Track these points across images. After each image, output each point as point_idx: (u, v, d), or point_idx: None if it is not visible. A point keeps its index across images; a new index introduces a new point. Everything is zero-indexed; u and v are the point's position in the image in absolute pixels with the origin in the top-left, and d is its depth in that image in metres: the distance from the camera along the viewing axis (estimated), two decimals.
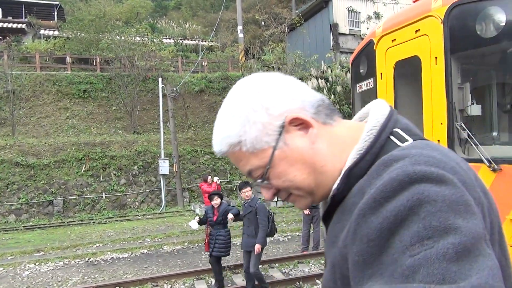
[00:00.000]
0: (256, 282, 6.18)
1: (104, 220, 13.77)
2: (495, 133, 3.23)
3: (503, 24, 2.78)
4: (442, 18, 3.07)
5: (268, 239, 6.40)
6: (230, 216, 6.24)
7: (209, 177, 11.03)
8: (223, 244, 6.41)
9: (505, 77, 3.24)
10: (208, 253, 6.54)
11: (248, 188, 6.11)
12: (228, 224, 6.56)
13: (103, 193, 14.93)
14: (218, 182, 11.34)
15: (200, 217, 6.63)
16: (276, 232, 6.56)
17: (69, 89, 18.55)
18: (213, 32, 20.95)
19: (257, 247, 5.83)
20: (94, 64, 21.02)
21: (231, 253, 6.96)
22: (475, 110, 3.08)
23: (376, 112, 0.85)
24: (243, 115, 0.83)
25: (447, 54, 3.07)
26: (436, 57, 3.17)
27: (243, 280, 6.95)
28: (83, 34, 22.36)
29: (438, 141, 3.19)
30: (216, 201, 6.42)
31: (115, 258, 8.84)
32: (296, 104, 0.82)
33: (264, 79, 0.87)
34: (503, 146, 3.04)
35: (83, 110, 18.26)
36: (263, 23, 21.59)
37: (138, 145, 16.37)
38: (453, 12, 2.99)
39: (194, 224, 6.60)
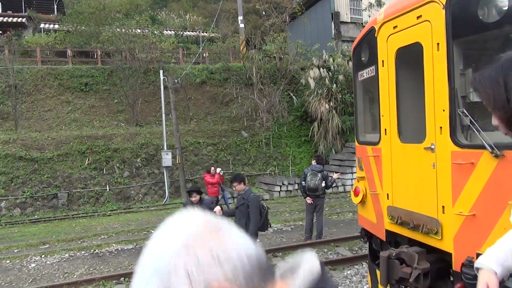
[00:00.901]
0: None
1: (108, 212, 13.87)
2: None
3: (506, 8, 2.74)
4: (444, 4, 3.04)
5: (262, 233, 6.44)
6: (217, 209, 6.12)
7: (212, 168, 11.06)
8: None
9: None
10: None
11: (236, 183, 6.00)
12: None
13: (107, 186, 15.01)
14: (221, 173, 11.38)
15: None
16: (270, 226, 6.38)
17: (71, 82, 18.54)
18: (213, 23, 20.82)
19: None
20: (95, 57, 20.96)
21: None
22: (476, 97, 3.06)
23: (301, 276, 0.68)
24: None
25: (449, 40, 3.05)
26: (438, 43, 3.14)
27: None
28: (83, 27, 22.28)
29: (441, 127, 3.18)
30: (194, 198, 6.26)
31: (120, 249, 8.92)
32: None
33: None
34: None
35: (85, 103, 18.27)
36: (263, 12, 21.46)
37: (140, 138, 16.40)
38: None
39: None
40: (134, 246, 9.15)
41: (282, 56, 20.05)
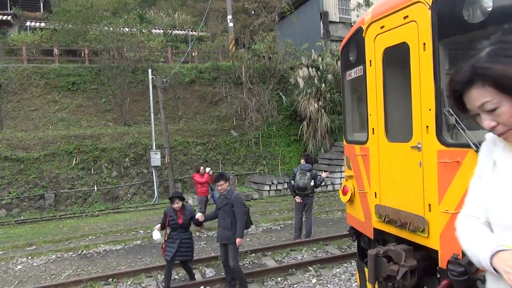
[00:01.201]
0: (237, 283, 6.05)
1: (96, 212, 13.74)
2: None
3: (490, 9, 2.79)
4: (430, 4, 3.07)
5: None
6: (199, 215, 6.11)
7: (202, 167, 11.00)
8: (189, 248, 6.20)
9: None
10: (168, 258, 6.08)
11: (222, 182, 5.84)
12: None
13: (95, 186, 14.85)
14: (211, 173, 11.30)
15: (160, 225, 6.26)
16: (252, 224, 6.35)
17: (58, 81, 18.29)
18: (202, 21, 20.73)
19: (238, 241, 5.72)
20: (82, 56, 20.72)
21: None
22: None
23: None
24: None
25: (435, 40, 3.08)
26: (424, 43, 3.18)
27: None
28: (70, 26, 21.98)
29: (427, 127, 3.22)
30: (177, 204, 6.12)
31: (108, 250, 8.84)
32: None
33: None
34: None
35: (72, 102, 18.05)
36: (253, 12, 21.46)
37: (129, 137, 16.27)
38: None
39: (157, 234, 6.23)
40: (122, 246, 9.08)
41: (271, 56, 20.07)
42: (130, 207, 14.35)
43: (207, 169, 11.02)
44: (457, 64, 3.33)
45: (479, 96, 1.19)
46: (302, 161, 8.65)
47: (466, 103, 1.25)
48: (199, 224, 6.35)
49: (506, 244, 1.22)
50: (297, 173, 8.33)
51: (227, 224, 5.78)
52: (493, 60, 1.18)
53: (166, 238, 6.20)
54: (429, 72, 3.14)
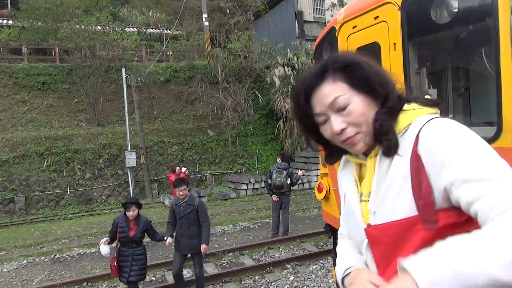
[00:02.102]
0: None
1: (70, 215, 13.41)
2: (450, 116, 3.37)
3: (456, 10, 2.88)
4: (400, 5, 3.15)
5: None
6: (169, 240, 5.38)
7: (178, 167, 10.90)
8: (143, 265, 5.23)
9: (459, 62, 3.38)
10: (124, 281, 5.17)
11: (184, 187, 5.36)
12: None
13: (68, 188, 14.49)
14: (187, 173, 11.24)
15: (108, 238, 5.22)
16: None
17: (27, 81, 17.72)
18: (177, 20, 20.53)
19: (205, 247, 5.42)
20: (53, 54, 20.14)
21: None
22: (431, 94, 3.20)
23: None
24: None
25: (404, 40, 3.16)
26: (394, 43, 3.25)
27: (213, 269, 6.99)
28: (39, 23, 21.30)
29: None
30: (133, 212, 5.10)
31: (82, 253, 8.65)
32: None
33: None
34: None
35: (42, 103, 17.52)
36: (228, 11, 21.40)
37: (102, 138, 15.94)
38: None
39: (105, 249, 5.12)
40: (97, 249, 8.89)
41: (247, 55, 20.08)
42: (105, 209, 14.07)
43: (183, 169, 10.94)
44: (426, 63, 3.44)
45: (331, 91, 1.08)
46: (278, 160, 8.71)
47: (315, 106, 1.11)
48: (161, 239, 5.45)
49: (357, 265, 1.15)
50: (273, 172, 8.38)
51: (193, 233, 5.38)
52: (345, 53, 1.16)
53: (116, 255, 5.22)
54: (400, 71, 3.22)
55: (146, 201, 14.66)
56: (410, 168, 1.01)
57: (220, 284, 6.36)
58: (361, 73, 1.08)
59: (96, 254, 8.57)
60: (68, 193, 14.47)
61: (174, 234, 5.56)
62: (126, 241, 5.11)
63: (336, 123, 1.08)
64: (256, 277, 6.52)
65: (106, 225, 11.49)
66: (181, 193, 5.33)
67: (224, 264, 7.30)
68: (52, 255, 8.58)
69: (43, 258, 8.49)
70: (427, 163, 0.98)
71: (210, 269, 7.04)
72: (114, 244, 5.38)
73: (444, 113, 3.33)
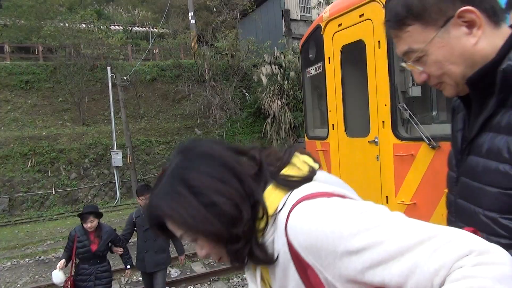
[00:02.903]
0: None
1: (55, 216, 13.20)
2: (434, 113, 3.42)
3: None
4: (384, 3, 3.18)
5: None
6: (118, 250, 4.66)
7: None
8: (108, 284, 4.57)
9: None
10: None
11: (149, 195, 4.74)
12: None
13: (53, 189, 14.26)
14: None
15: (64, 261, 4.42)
16: None
17: (9, 80, 17.35)
18: (163, 18, 20.36)
19: (183, 258, 5.09)
20: (36, 53, 19.76)
21: None
22: (415, 91, 3.24)
23: None
24: None
25: (389, 38, 3.19)
26: (379, 41, 3.28)
27: (201, 268, 6.96)
28: (22, 21, 20.89)
29: (383, 122, 3.33)
30: (91, 223, 4.35)
31: None
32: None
33: None
34: (441, 125, 3.23)
35: (26, 102, 17.19)
36: (214, 9, 21.30)
37: (88, 137, 15.73)
38: None
39: (58, 276, 4.24)
40: None
41: (234, 53, 20.02)
42: None
43: None
44: None
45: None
46: None
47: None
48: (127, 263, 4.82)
49: None
50: None
51: (160, 246, 4.73)
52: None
53: (73, 274, 4.44)
54: (384, 68, 3.25)
55: (133, 200, 14.53)
56: (298, 273, 0.82)
57: (208, 283, 6.34)
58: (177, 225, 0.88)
59: None
60: (53, 193, 14.24)
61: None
62: (87, 257, 4.38)
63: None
64: (244, 275, 6.52)
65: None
66: (147, 201, 4.65)
67: (212, 263, 7.28)
68: (37, 257, 8.45)
69: (27, 260, 8.34)
70: (314, 261, 0.78)
71: (198, 268, 7.01)
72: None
73: (428, 110, 3.38)
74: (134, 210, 4.97)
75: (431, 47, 0.99)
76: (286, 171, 0.87)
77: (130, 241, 4.94)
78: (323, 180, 0.89)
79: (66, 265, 4.40)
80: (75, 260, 4.47)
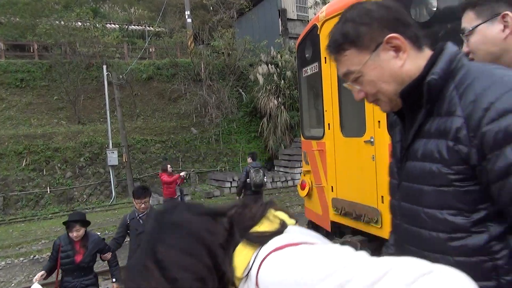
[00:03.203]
0: None
1: (50, 215, 13.14)
2: None
3: (435, 9, 2.93)
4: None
5: None
6: (107, 256, 4.30)
7: (169, 166, 10.23)
8: None
9: None
10: None
11: (148, 198, 4.52)
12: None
13: (48, 188, 14.19)
14: (183, 176, 10.39)
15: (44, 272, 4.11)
16: None
17: (4, 78, 17.25)
18: (160, 17, 20.31)
19: None
20: (32, 51, 19.67)
21: None
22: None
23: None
24: None
25: None
26: None
27: None
28: (17, 19, 20.77)
29: (379, 121, 3.34)
30: (77, 232, 4.02)
31: None
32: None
33: None
34: None
35: (21, 100, 17.10)
36: (211, 8, 21.27)
37: (83, 136, 15.67)
38: None
39: None
40: None
41: (231, 52, 20.01)
42: (86, 208, 13.84)
43: (182, 173, 10.27)
44: None
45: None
46: (250, 160, 8.92)
47: None
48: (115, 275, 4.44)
49: None
50: (251, 171, 8.51)
51: None
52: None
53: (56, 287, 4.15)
54: None
55: (128, 199, 14.49)
56: None
57: None
58: None
59: None
60: (48, 192, 14.18)
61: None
62: (71, 268, 4.05)
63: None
64: None
65: None
66: (143, 205, 4.43)
67: None
68: (32, 256, 8.41)
69: (22, 259, 8.30)
70: None
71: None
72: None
73: None
74: (129, 212, 4.73)
75: (365, 69, 1.15)
76: (259, 227, 0.88)
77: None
78: (296, 231, 0.88)
79: (48, 276, 4.11)
80: (60, 273, 4.15)
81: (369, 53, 1.13)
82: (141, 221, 4.52)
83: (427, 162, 1.10)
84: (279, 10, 20.48)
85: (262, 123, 17.68)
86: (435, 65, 1.11)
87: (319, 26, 4.03)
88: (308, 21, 19.74)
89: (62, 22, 18.77)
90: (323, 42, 4.00)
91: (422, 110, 1.12)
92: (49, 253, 8.47)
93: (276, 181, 15.58)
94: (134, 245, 4.54)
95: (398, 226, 1.24)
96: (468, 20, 1.33)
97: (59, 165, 14.72)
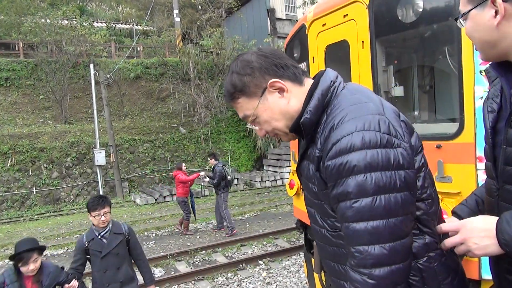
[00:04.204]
0: None
1: (36, 216, 12.96)
2: (416, 113, 3.47)
3: (421, 10, 2.96)
4: (367, 4, 3.21)
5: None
6: (72, 285, 3.25)
7: (184, 164, 9.77)
8: None
9: (424, 60, 3.48)
10: None
11: (107, 209, 3.45)
12: None
13: (34, 188, 13.99)
14: (204, 177, 9.53)
15: None
16: None
17: None
18: (148, 15, 20.16)
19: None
20: (17, 49, 19.34)
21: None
22: (398, 91, 3.28)
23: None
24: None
25: (372, 38, 3.22)
26: (362, 41, 3.31)
27: (186, 267, 6.94)
28: (2, 17, 20.41)
29: None
30: (35, 263, 2.99)
31: (49, 255, 8.38)
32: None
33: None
34: (423, 124, 3.28)
35: (6, 99, 16.82)
36: (200, 7, 21.16)
37: (70, 136, 15.48)
38: None
39: None
40: (65, 250, 8.65)
41: (219, 51, 19.96)
42: (73, 209, 13.69)
43: (202, 173, 9.63)
44: (393, 61, 3.51)
45: None
46: (213, 161, 9.07)
47: None
48: None
49: None
50: (226, 170, 8.89)
51: (126, 275, 3.54)
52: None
53: None
54: (368, 69, 3.28)
55: (116, 200, 14.37)
56: None
57: (193, 282, 6.32)
58: None
59: (64, 255, 8.33)
60: (34, 193, 13.97)
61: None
62: None
63: None
64: (229, 274, 6.52)
65: (74, 225, 11.19)
66: (103, 217, 3.41)
67: (196, 262, 7.26)
68: None
69: (7, 261, 8.16)
70: None
71: (182, 267, 6.98)
72: None
73: (410, 110, 3.42)
74: (84, 233, 3.60)
75: (258, 112, 1.31)
76: None
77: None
78: None
79: None
80: None
81: (258, 98, 1.30)
82: (104, 240, 3.46)
83: (309, 183, 1.33)
84: (268, 9, 20.49)
85: None
86: (310, 102, 1.28)
87: (307, 26, 4.05)
88: (297, 20, 19.80)
89: (48, 20, 18.49)
90: (311, 42, 4.02)
91: (305, 139, 1.33)
92: None
93: (265, 180, 15.60)
94: (100, 273, 3.47)
95: (311, 225, 1.48)
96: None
97: (45, 165, 14.52)
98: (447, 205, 2.40)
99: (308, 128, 1.28)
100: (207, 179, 9.16)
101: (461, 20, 1.27)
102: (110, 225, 3.53)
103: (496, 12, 1.15)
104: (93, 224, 3.54)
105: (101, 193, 14.52)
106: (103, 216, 3.43)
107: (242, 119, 1.39)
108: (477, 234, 1.11)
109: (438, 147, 2.72)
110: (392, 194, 1.12)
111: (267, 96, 1.29)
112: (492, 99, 1.30)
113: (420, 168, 1.26)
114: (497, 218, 1.11)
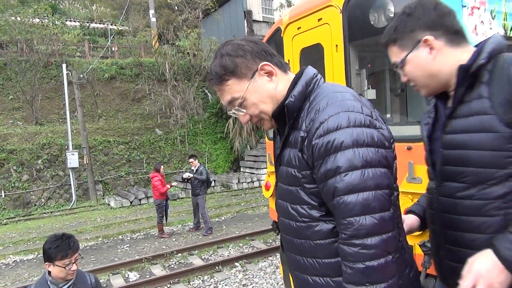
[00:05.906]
0: None
1: (5, 221, 12.49)
2: (388, 115, 3.55)
3: (392, 15, 3.03)
4: (341, 8, 3.26)
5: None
6: None
7: (162, 166, 9.37)
8: None
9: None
10: None
11: (77, 254, 2.54)
12: None
13: (2, 192, 13.50)
14: (188, 177, 9.21)
15: None
16: None
17: None
18: (123, 15, 19.83)
19: None
20: None
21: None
22: (370, 94, 3.35)
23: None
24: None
25: (346, 42, 3.28)
26: (336, 45, 3.37)
27: (161, 270, 6.86)
28: None
29: None
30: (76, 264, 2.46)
31: (18, 261, 8.12)
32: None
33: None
34: (394, 126, 3.36)
35: None
36: (176, 7, 20.98)
37: (41, 137, 15.03)
38: (350, 2, 3.19)
39: None
40: (35, 256, 8.39)
41: (196, 53, 19.85)
42: (44, 213, 13.29)
43: (186, 175, 9.34)
44: (366, 65, 3.58)
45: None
46: (196, 161, 9.25)
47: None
48: None
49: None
50: (207, 172, 9.18)
51: None
52: None
53: None
54: (341, 72, 3.34)
55: (90, 203, 14.05)
56: None
57: (168, 285, 6.25)
58: None
59: (34, 260, 8.08)
60: (3, 196, 13.49)
61: None
62: None
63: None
64: (205, 277, 6.48)
65: (45, 229, 10.87)
66: (74, 267, 2.47)
67: (172, 265, 7.18)
68: None
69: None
70: None
71: (157, 270, 6.89)
72: None
73: (382, 113, 3.51)
74: (32, 285, 2.56)
75: (247, 94, 1.34)
76: None
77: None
78: None
79: None
80: None
81: (248, 80, 1.33)
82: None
83: (289, 167, 1.34)
84: (245, 11, 20.54)
85: (228, 124, 17.65)
86: (294, 88, 1.34)
87: (282, 29, 4.08)
88: (274, 23, 19.93)
89: (19, 18, 17.90)
90: (287, 44, 4.06)
91: (287, 125, 1.35)
92: (3, 261, 8.09)
93: (242, 182, 15.59)
94: None
95: (279, 219, 1.48)
96: (395, 54, 1.42)
97: (14, 167, 14.04)
98: None
99: (291, 112, 1.32)
100: (191, 175, 9.07)
101: (399, 69, 1.43)
102: (74, 278, 2.52)
103: (431, 49, 1.34)
104: (49, 275, 2.47)
105: (73, 197, 14.15)
106: (74, 265, 2.47)
107: (226, 103, 1.40)
108: (493, 275, 1.17)
109: (409, 148, 2.80)
110: (377, 168, 1.20)
111: (256, 78, 1.33)
112: (429, 114, 1.53)
113: (394, 158, 1.36)
114: (490, 251, 1.21)
